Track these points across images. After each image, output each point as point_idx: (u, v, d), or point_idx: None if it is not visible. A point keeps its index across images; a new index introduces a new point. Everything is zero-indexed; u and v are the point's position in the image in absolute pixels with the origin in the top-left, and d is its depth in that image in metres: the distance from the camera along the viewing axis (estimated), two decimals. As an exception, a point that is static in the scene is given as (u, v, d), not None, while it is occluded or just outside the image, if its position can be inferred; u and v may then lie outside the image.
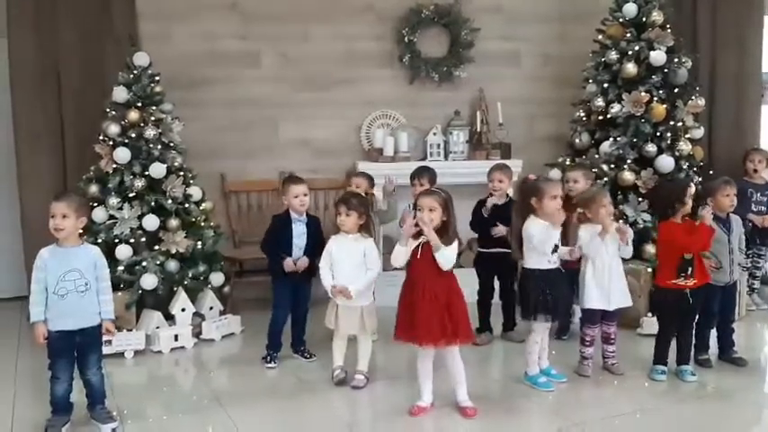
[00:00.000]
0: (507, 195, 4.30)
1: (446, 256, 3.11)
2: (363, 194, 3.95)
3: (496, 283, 4.31)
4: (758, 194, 5.01)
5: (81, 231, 4.12)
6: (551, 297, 3.45)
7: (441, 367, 3.29)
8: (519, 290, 3.62)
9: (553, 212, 3.40)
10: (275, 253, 3.90)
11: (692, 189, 3.69)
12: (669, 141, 4.70)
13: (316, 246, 3.88)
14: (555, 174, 5.00)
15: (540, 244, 3.40)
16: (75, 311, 2.99)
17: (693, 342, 3.75)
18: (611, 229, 3.58)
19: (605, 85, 4.87)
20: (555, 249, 3.44)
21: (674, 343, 3.69)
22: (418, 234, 3.16)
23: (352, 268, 3.53)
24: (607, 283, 3.62)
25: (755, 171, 5.06)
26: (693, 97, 4.82)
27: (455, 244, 3.15)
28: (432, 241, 3.10)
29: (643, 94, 4.70)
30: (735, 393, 3.51)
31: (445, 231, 3.13)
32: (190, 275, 4.40)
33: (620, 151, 4.69)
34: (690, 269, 3.53)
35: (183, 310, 4.30)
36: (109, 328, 3.10)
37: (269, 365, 3.89)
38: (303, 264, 3.89)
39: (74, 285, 2.97)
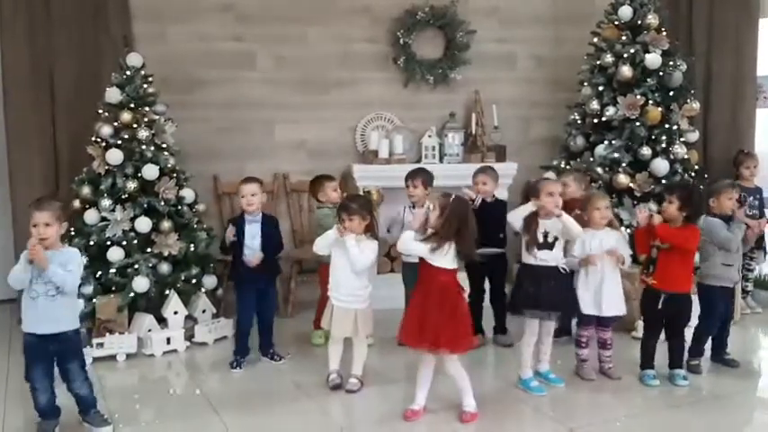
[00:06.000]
0: (493, 196, 4.26)
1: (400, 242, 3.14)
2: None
3: (487, 285, 4.29)
4: (750, 198, 5.03)
5: (72, 234, 4.20)
6: (542, 293, 3.45)
7: (442, 373, 3.27)
8: (514, 285, 3.62)
9: (551, 210, 3.44)
10: (232, 254, 3.90)
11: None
12: (664, 145, 4.70)
13: (272, 246, 3.91)
14: (550, 176, 5.00)
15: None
16: (45, 316, 2.94)
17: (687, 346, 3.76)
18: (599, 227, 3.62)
19: (600, 88, 4.87)
20: (544, 246, 3.44)
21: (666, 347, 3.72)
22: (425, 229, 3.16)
23: (350, 272, 3.49)
24: (599, 289, 3.62)
25: (752, 176, 5.07)
26: (688, 101, 4.83)
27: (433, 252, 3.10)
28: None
29: (638, 97, 4.70)
30: (728, 397, 3.51)
31: (437, 235, 3.10)
32: (182, 278, 4.38)
33: (615, 154, 4.69)
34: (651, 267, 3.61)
35: (176, 313, 4.27)
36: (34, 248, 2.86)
37: (235, 370, 3.87)
38: (257, 258, 3.84)
39: (44, 289, 2.92)
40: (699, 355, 3.82)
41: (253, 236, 3.89)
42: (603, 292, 3.62)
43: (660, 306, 3.57)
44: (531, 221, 3.48)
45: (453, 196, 3.17)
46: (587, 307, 3.64)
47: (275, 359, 4.01)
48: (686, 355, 3.77)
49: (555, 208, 3.44)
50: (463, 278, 4.17)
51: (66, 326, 2.99)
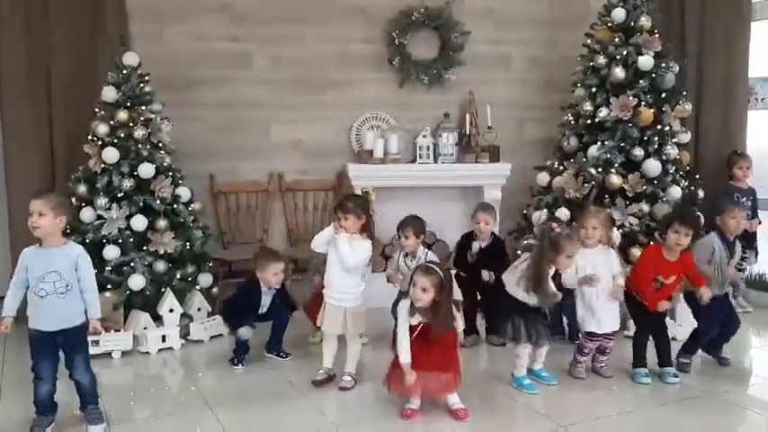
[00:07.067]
0: (492, 234, 4.29)
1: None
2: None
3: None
4: (744, 199, 5.07)
5: (68, 231, 4.20)
6: (534, 326, 3.52)
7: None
8: (497, 313, 3.70)
9: (562, 269, 3.49)
10: (238, 318, 3.93)
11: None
12: (656, 146, 4.73)
13: (278, 309, 4.02)
14: (542, 177, 5.04)
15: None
16: (55, 313, 2.95)
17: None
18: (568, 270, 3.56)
19: (593, 90, 4.89)
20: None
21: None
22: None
23: (342, 270, 3.51)
24: (598, 309, 3.66)
25: (745, 176, 5.11)
26: (681, 102, 4.86)
27: (460, 322, 3.22)
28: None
29: (631, 98, 4.73)
30: (719, 395, 3.55)
31: (436, 312, 3.12)
32: (178, 276, 4.39)
33: (608, 155, 4.72)
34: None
35: (171, 310, 4.29)
36: (96, 327, 3.04)
37: (237, 367, 3.90)
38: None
39: (53, 287, 2.93)
40: (691, 354, 3.86)
41: (264, 305, 4.00)
42: (600, 311, 3.66)
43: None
44: (540, 278, 3.43)
45: (440, 271, 3.15)
46: (590, 326, 3.68)
47: (282, 356, 4.04)
48: (679, 351, 3.85)
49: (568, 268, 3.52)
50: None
51: (73, 322, 3.00)
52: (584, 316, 3.69)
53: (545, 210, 4.81)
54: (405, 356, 3.14)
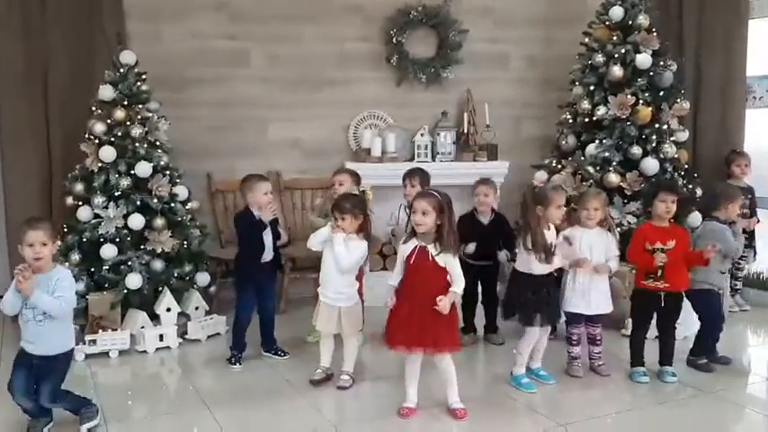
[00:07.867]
0: (492, 211, 4.25)
1: (459, 288, 3.15)
2: (358, 193, 3.86)
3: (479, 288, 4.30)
4: (742, 197, 5.05)
5: (66, 230, 4.20)
6: (546, 300, 3.49)
7: (429, 369, 3.30)
8: (510, 293, 3.61)
9: (555, 222, 3.48)
10: (256, 254, 3.87)
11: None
12: (654, 144, 4.73)
13: (265, 295, 4.00)
14: (540, 175, 5.03)
15: None
16: (34, 339, 2.92)
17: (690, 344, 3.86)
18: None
19: (591, 88, 4.90)
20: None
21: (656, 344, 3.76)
22: (412, 233, 3.17)
23: (337, 271, 3.51)
24: (587, 289, 3.66)
25: (743, 174, 5.11)
26: (678, 100, 4.86)
27: (456, 260, 3.14)
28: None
29: (629, 96, 4.73)
30: (717, 394, 3.55)
31: (440, 236, 3.11)
32: (175, 275, 4.39)
33: (606, 153, 4.72)
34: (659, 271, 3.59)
35: (169, 309, 4.28)
36: (25, 279, 2.78)
37: (234, 367, 3.87)
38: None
39: (32, 314, 2.88)
40: (703, 354, 3.86)
41: (267, 234, 3.94)
42: (592, 292, 3.67)
43: (662, 304, 3.63)
44: (536, 233, 3.42)
45: (437, 193, 3.14)
46: (575, 306, 3.68)
47: (280, 354, 4.02)
48: (689, 357, 3.87)
49: (562, 222, 3.53)
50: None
51: (54, 350, 2.94)
52: (570, 297, 3.67)
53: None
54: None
